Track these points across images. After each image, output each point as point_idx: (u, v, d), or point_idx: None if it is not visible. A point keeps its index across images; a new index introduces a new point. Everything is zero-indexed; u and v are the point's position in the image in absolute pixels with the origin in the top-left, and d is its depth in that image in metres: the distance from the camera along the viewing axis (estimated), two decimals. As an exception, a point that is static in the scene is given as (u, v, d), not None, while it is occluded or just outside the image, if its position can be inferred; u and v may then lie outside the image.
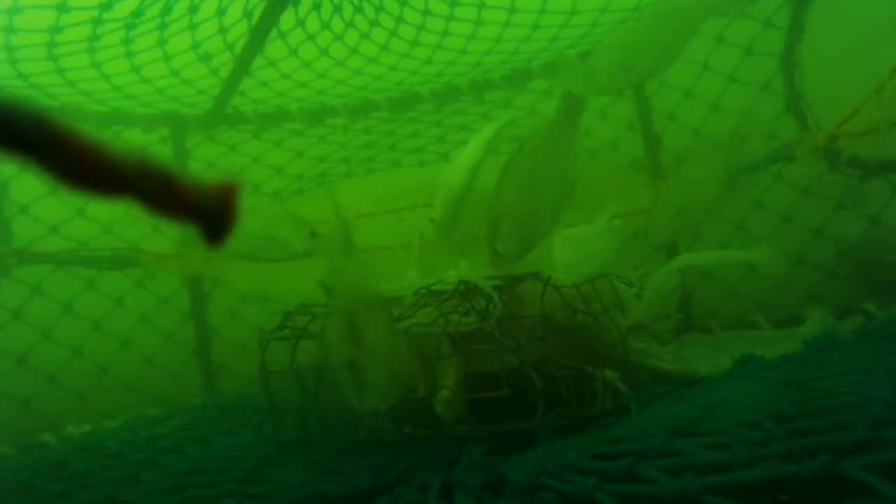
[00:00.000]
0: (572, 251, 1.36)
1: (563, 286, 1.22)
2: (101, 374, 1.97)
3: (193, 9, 1.59)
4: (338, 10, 1.77)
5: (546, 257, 1.38)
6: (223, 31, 1.69)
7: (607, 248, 1.41)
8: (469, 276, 1.22)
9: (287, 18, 1.67)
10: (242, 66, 1.79)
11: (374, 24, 1.85)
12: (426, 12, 1.84)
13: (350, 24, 1.84)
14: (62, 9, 1.47)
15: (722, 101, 1.95)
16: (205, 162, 2.16)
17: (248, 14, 1.62)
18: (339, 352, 0.97)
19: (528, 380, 1.07)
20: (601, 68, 1.17)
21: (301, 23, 1.76)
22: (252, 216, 1.52)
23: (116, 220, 1.98)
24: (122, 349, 2.01)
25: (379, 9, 1.81)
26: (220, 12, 1.62)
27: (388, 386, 0.95)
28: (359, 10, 1.79)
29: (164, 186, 0.28)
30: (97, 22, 1.53)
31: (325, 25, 1.81)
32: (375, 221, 1.98)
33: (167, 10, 1.56)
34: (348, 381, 0.96)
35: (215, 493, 0.97)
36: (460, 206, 1.69)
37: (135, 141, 2.05)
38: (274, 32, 1.69)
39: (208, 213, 0.29)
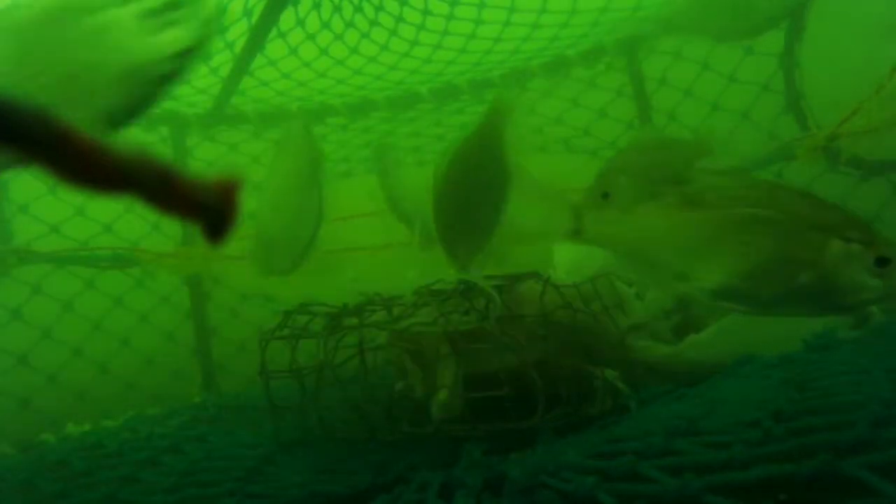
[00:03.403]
0: (572, 251, 1.36)
1: (563, 285, 1.22)
2: (100, 374, 1.97)
3: (193, 8, 1.59)
4: (338, 9, 1.77)
5: (546, 257, 1.38)
6: (222, 29, 1.69)
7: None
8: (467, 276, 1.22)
9: (287, 18, 1.67)
10: (242, 65, 1.79)
11: (373, 23, 1.85)
12: (426, 12, 1.84)
13: (350, 24, 1.84)
14: (62, 8, 1.47)
15: (722, 101, 1.95)
16: (205, 161, 2.16)
17: (247, 13, 1.62)
18: None
19: (528, 379, 1.07)
20: None
21: (301, 22, 1.76)
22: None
23: (116, 219, 1.98)
24: (122, 349, 2.01)
25: (379, 8, 1.81)
26: (220, 11, 1.62)
27: None
28: (359, 9, 1.79)
29: (164, 183, 0.28)
30: (97, 21, 1.53)
31: (325, 25, 1.81)
32: (375, 221, 1.98)
33: (167, 9, 1.56)
34: None
35: (215, 492, 0.97)
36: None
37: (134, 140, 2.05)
38: (274, 32, 1.69)
39: (209, 209, 0.29)
